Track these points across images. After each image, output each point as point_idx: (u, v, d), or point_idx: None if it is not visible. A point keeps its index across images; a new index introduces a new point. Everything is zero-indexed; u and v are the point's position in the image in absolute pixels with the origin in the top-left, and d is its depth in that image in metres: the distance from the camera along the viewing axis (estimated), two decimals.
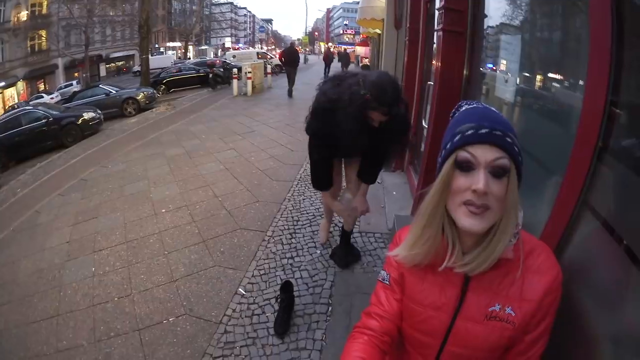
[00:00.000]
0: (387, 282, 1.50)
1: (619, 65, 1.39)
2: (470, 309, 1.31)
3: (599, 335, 1.38)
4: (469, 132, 1.17)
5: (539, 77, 2.59)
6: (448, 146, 1.22)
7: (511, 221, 1.19)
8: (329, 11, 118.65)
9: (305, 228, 5.00)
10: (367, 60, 32.16)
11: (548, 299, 1.24)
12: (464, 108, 1.30)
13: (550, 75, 2.39)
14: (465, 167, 1.16)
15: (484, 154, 1.14)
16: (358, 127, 2.96)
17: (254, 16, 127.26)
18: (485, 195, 1.13)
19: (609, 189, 1.51)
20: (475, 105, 1.30)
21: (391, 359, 1.61)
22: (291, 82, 17.38)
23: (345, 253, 4.19)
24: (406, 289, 1.45)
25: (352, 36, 77.05)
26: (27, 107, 18.22)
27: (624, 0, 1.39)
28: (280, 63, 23.17)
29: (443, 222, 1.29)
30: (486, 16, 3.49)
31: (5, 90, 35.86)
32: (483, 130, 1.15)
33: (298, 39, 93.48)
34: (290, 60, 17.75)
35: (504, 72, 3.19)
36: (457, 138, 1.19)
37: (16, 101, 34.60)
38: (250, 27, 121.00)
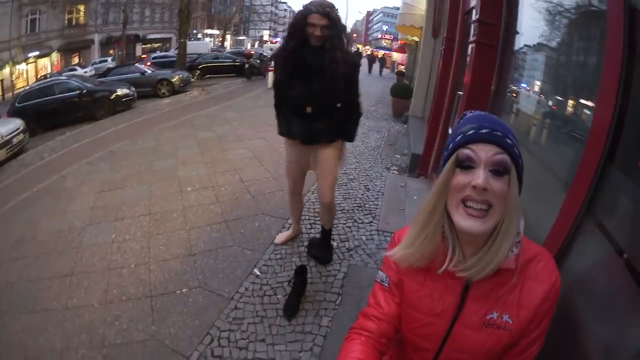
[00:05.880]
0: (386, 285, 1.52)
1: (628, 81, 1.46)
2: (469, 317, 1.33)
3: (595, 344, 1.42)
4: (471, 131, 1.22)
5: (561, 95, 2.67)
6: (450, 146, 1.26)
7: (512, 225, 1.21)
8: (369, 14, 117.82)
9: None
10: (402, 67, 32.04)
11: (545, 306, 1.27)
12: (467, 116, 1.33)
13: (572, 93, 2.47)
14: (466, 165, 1.20)
15: (484, 151, 1.18)
16: (300, 44, 3.23)
17: (293, 12, 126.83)
18: (485, 191, 1.16)
19: (612, 201, 1.56)
20: (478, 112, 1.34)
21: (389, 357, 1.66)
22: None
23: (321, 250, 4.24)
24: (405, 295, 1.47)
25: (390, 41, 76.52)
26: (61, 77, 18.54)
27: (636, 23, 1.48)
28: None
29: (444, 225, 1.31)
30: (518, 32, 3.57)
31: (39, 60, 36.19)
32: (484, 130, 1.20)
33: None
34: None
35: (530, 89, 3.27)
36: (458, 137, 1.24)
37: (49, 71, 35.07)
38: (289, 22, 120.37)
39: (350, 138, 3.73)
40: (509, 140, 1.19)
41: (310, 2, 3.16)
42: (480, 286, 1.31)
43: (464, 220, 1.21)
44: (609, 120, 1.50)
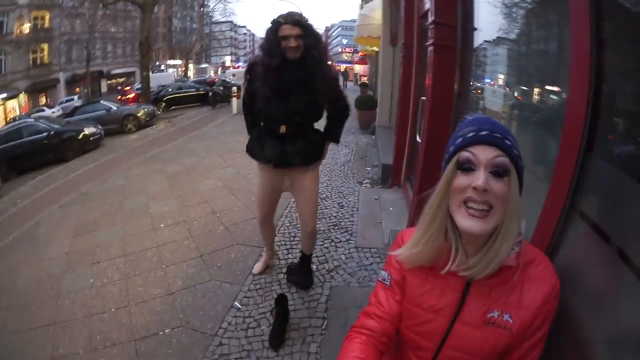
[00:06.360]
0: (387, 283, 1.52)
1: (599, 68, 1.44)
2: (469, 314, 1.34)
3: (590, 336, 1.41)
4: (470, 134, 1.25)
5: (526, 88, 2.67)
6: (451, 149, 1.29)
7: (513, 225, 1.23)
8: (327, 30, 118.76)
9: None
10: (365, 78, 32.27)
11: (546, 308, 1.28)
12: (468, 119, 1.35)
13: (537, 84, 2.47)
14: (467, 167, 1.22)
15: (484, 153, 1.20)
16: (277, 60, 3.06)
17: (253, 35, 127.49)
18: (485, 192, 1.18)
19: (595, 191, 1.55)
20: (478, 115, 1.36)
21: (388, 357, 1.63)
22: None
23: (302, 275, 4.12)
24: (407, 292, 1.48)
25: (350, 54, 77.26)
26: (28, 120, 18.31)
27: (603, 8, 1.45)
28: None
29: (446, 226, 1.33)
30: (475, 29, 3.58)
31: (6, 102, 35.99)
32: (483, 132, 1.23)
33: None
34: None
35: (494, 84, 3.26)
36: (459, 140, 1.27)
37: (17, 113, 34.75)
38: (250, 46, 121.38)
39: (337, 139, 3.70)
40: (508, 142, 1.22)
41: (278, 15, 3.10)
42: (482, 284, 1.33)
43: (465, 221, 1.23)
44: (584, 112, 1.49)
